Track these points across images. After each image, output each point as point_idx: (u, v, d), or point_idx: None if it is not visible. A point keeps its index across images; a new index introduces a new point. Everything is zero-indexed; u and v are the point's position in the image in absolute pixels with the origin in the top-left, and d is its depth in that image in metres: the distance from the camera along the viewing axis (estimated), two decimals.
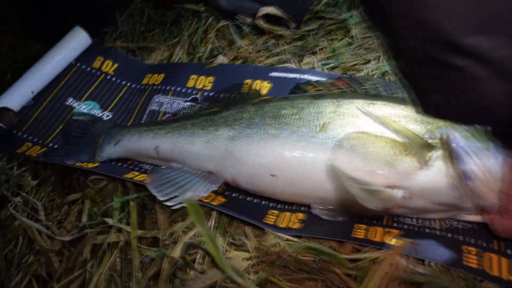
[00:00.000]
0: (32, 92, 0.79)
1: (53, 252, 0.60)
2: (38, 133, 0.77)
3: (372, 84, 0.62)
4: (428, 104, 0.39)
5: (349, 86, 0.63)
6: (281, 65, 0.75)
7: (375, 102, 0.54)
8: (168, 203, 0.57)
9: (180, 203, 0.57)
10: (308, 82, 0.67)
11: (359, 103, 0.54)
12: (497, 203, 0.46)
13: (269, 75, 0.73)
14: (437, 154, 0.49)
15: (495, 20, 0.30)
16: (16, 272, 0.59)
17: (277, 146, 0.54)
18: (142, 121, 0.78)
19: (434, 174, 0.49)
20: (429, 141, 0.49)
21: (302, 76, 0.71)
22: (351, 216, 0.52)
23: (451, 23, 0.31)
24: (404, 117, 0.52)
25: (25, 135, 0.77)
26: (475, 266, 0.44)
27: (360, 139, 0.51)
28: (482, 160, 0.46)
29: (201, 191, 0.58)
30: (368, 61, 0.75)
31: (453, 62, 0.31)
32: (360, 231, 0.51)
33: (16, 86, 0.78)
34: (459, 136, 0.48)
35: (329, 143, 0.51)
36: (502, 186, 0.46)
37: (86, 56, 0.88)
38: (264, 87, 0.73)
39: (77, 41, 0.85)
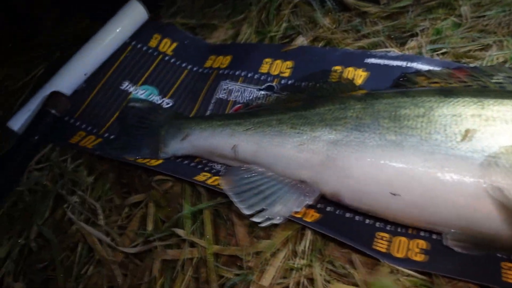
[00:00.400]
0: (85, 75, 0.70)
1: (115, 264, 0.52)
2: (91, 121, 0.69)
3: (508, 76, 0.48)
4: None
5: (475, 79, 0.50)
6: (379, 50, 0.62)
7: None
8: (255, 219, 0.47)
9: (268, 218, 0.47)
10: (419, 72, 0.54)
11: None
12: None
13: (365, 61, 0.61)
14: None
15: None
16: (76, 284, 0.51)
17: (400, 157, 0.42)
18: (208, 111, 0.67)
19: None
20: None
21: (408, 64, 0.58)
22: (501, 251, 0.40)
23: None
24: None
25: (77, 123, 0.69)
26: None
27: None
28: None
29: (292, 204, 0.48)
30: (487, 46, 0.61)
31: None
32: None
33: (68, 67, 0.69)
34: None
35: (477, 157, 0.39)
36: None
37: (142, 34, 0.78)
38: (358, 75, 0.60)
39: (132, 16, 0.75)
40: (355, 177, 0.44)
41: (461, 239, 0.40)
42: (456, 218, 0.40)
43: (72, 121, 0.69)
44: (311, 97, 0.57)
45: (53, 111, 0.62)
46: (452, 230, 0.41)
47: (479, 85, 0.49)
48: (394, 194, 0.42)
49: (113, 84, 0.73)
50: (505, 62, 0.57)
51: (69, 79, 0.68)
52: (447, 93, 0.45)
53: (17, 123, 0.64)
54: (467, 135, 0.40)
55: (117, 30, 0.74)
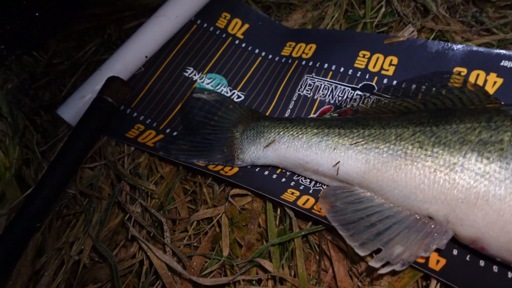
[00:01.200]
0: (146, 57, 0.60)
1: None
2: (151, 113, 0.59)
3: None
4: None
5: None
6: None
7: None
8: (372, 264, 0.37)
9: (389, 263, 0.37)
10: None
11: None
12: None
13: (500, 64, 0.48)
14: None
15: None
16: None
17: None
18: (288, 111, 0.56)
19: None
20: None
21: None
22: None
23: None
24: None
25: (135, 114, 0.59)
26: None
27: None
28: None
29: (418, 247, 0.37)
30: None
31: None
32: None
33: (127, 47, 0.60)
34: None
35: None
36: None
37: (209, 12, 0.67)
38: (490, 82, 0.48)
39: None
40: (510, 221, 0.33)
41: None
42: None
43: (128, 111, 0.60)
44: (434, 108, 0.45)
45: (110, 100, 0.53)
46: None
47: None
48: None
49: (176, 70, 0.63)
50: None
51: (129, 61, 0.58)
52: None
53: (68, 111, 0.55)
54: None
55: (181, 6, 0.64)
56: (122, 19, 0.71)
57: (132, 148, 0.55)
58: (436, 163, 0.38)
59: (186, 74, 0.62)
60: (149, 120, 0.59)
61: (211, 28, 0.66)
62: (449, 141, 0.39)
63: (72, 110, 0.55)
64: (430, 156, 0.39)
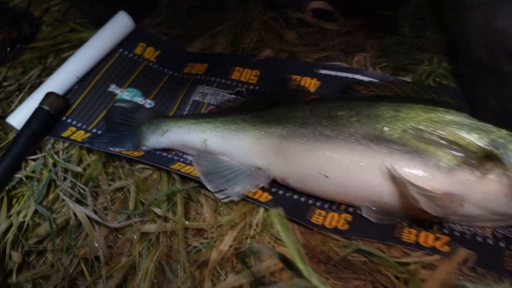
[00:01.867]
0: (77, 77, 0.80)
1: (101, 237, 0.61)
2: (81, 119, 0.78)
3: (424, 90, 0.60)
4: (485, 109, 0.48)
5: (403, 90, 0.61)
6: (330, 63, 0.74)
7: (436, 108, 0.53)
8: (217, 195, 0.57)
9: (228, 196, 0.57)
10: (361, 82, 0.66)
11: (420, 108, 0.53)
12: None
13: (318, 72, 0.72)
14: (496, 164, 0.48)
15: None
16: (67, 255, 0.60)
17: (333, 148, 0.53)
18: (185, 111, 0.77)
19: (493, 184, 0.48)
20: (490, 150, 0.48)
21: (353, 76, 0.69)
22: (402, 220, 0.52)
23: None
24: (467, 126, 0.51)
25: (69, 120, 0.78)
26: None
27: (420, 146, 0.50)
28: None
29: (249, 186, 0.58)
30: (420, 62, 0.73)
31: None
32: (410, 236, 0.51)
33: (62, 70, 0.79)
34: None
35: (388, 147, 0.50)
36: None
37: (128, 42, 0.87)
38: (312, 84, 0.71)
39: (121, 26, 0.85)
40: (298, 163, 0.55)
41: (375, 211, 0.51)
42: (371, 194, 0.51)
43: (64, 118, 0.78)
44: (274, 101, 0.68)
45: (48, 109, 0.71)
46: (367, 205, 0.52)
47: (406, 94, 0.61)
48: (326, 176, 0.53)
49: (102, 87, 0.82)
50: (429, 74, 0.69)
51: (63, 80, 0.77)
52: (376, 99, 0.57)
53: (16, 119, 0.73)
54: (383, 130, 0.51)
55: (106, 38, 0.84)
56: (61, 50, 0.91)
57: (66, 143, 0.74)
58: (260, 134, 0.60)
59: (110, 89, 0.82)
60: (80, 123, 0.77)
61: (130, 55, 0.87)
62: (269, 119, 0.61)
63: (19, 118, 0.73)
64: (257, 129, 0.60)
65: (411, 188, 0.46)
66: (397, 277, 0.49)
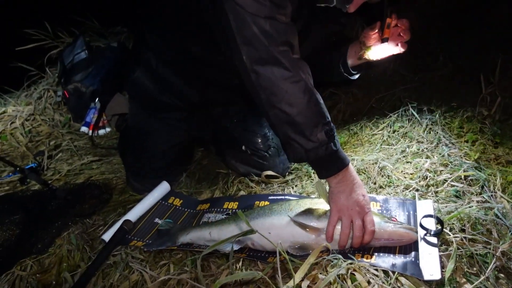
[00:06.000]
0: (139, 215, 1.45)
1: None
2: (141, 236, 1.39)
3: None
4: (289, 158, 1.10)
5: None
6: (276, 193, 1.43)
7: (302, 200, 1.20)
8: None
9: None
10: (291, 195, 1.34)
11: (307, 200, 1.20)
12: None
13: (268, 198, 1.40)
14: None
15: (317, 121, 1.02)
16: None
17: (271, 218, 1.16)
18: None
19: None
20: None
21: (284, 197, 1.38)
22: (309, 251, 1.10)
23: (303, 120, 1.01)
24: (317, 204, 1.16)
25: (133, 237, 1.38)
26: None
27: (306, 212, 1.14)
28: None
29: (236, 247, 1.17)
30: None
31: (297, 140, 1.01)
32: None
33: (132, 212, 1.45)
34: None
35: (292, 215, 1.14)
36: None
37: (165, 197, 1.57)
38: (264, 203, 1.38)
39: (163, 189, 1.56)
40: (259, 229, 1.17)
41: (296, 247, 1.10)
42: (293, 239, 1.11)
43: (130, 237, 1.39)
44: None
45: (124, 227, 1.34)
46: (291, 245, 1.12)
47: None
48: (270, 233, 1.14)
49: (151, 220, 1.46)
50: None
51: (132, 216, 1.42)
52: (289, 199, 1.23)
53: (108, 236, 1.34)
54: (291, 209, 1.16)
55: (155, 197, 1.53)
56: (126, 204, 1.59)
57: (132, 248, 1.33)
58: (236, 224, 1.23)
59: (155, 221, 1.46)
60: (140, 238, 1.38)
61: (166, 203, 1.54)
62: (239, 219, 1.24)
63: (110, 235, 1.34)
64: (235, 223, 1.23)
65: (306, 225, 1.08)
66: None
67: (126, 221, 1.38)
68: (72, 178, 1.76)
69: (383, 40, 1.17)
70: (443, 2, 1.94)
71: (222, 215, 1.42)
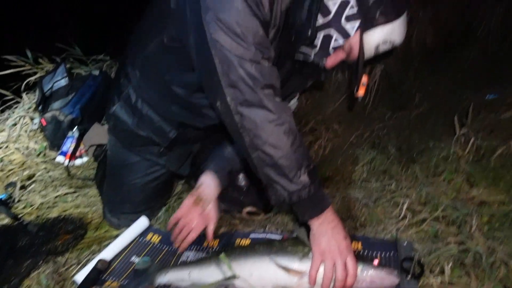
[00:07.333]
0: (115, 252, 1.40)
1: None
2: (117, 276, 1.33)
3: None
4: (272, 200, 1.09)
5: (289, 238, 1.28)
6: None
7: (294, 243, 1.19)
8: None
9: None
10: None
11: (288, 243, 1.19)
12: None
13: (250, 236, 1.38)
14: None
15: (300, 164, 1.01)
16: None
17: (252, 262, 1.14)
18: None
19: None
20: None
21: (266, 235, 1.36)
22: None
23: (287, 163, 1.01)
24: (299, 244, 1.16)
25: (108, 277, 1.32)
26: None
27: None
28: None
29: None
30: None
31: (280, 182, 1.01)
32: None
33: (107, 250, 1.39)
34: None
35: (277, 256, 1.13)
36: None
37: (144, 233, 1.52)
38: (247, 242, 1.36)
39: (142, 225, 1.52)
40: (241, 272, 1.14)
41: None
42: (276, 281, 1.09)
43: (104, 277, 1.33)
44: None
45: (99, 267, 1.28)
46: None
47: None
48: (252, 275, 1.11)
49: (127, 259, 1.41)
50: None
51: (106, 254, 1.37)
52: (274, 242, 1.22)
53: (81, 276, 1.28)
54: (273, 250, 1.15)
55: (133, 233, 1.49)
56: (102, 240, 1.53)
57: None
58: (217, 265, 1.20)
59: (131, 260, 1.41)
60: (115, 278, 1.32)
61: (144, 240, 1.49)
62: (220, 261, 1.22)
63: (82, 276, 1.28)
64: (217, 264, 1.20)
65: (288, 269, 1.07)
66: None
67: (101, 260, 1.32)
68: (45, 212, 1.68)
69: (357, 98, 1.21)
70: (419, 44, 2.04)
71: (202, 253, 1.38)
